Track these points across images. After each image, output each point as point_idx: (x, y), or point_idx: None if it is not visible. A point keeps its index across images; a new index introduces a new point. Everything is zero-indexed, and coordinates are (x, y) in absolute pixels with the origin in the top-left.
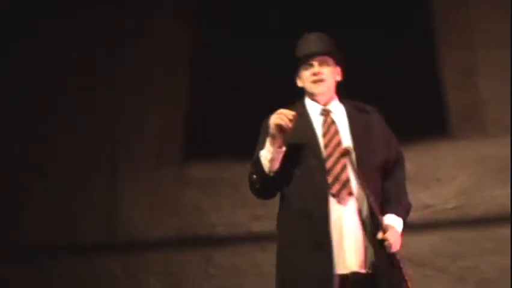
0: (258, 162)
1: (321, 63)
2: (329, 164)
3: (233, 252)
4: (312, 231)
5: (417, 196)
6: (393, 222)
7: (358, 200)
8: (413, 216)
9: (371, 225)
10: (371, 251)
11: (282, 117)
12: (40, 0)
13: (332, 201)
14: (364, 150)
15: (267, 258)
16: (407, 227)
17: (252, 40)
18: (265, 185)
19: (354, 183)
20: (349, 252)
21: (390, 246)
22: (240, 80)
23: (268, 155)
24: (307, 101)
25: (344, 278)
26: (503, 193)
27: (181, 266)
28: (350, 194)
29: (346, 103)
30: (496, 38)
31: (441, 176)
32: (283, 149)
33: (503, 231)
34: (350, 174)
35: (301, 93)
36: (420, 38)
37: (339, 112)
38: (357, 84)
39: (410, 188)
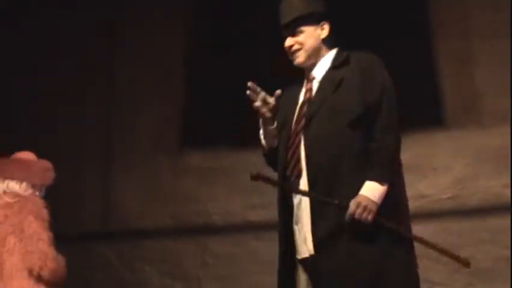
0: (260, 140)
1: (294, 35)
2: (291, 139)
3: (229, 241)
4: (281, 215)
5: (413, 186)
6: (369, 191)
7: (311, 177)
8: (409, 205)
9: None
10: (319, 230)
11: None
12: None
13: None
14: (324, 112)
15: (263, 247)
16: None
17: (249, 30)
18: (269, 159)
19: (305, 160)
20: (306, 234)
21: (355, 222)
22: (236, 69)
23: (262, 134)
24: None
25: (306, 262)
26: (498, 183)
27: (177, 254)
28: (300, 172)
29: (335, 59)
30: (492, 28)
31: (437, 166)
32: (274, 125)
33: (499, 221)
34: (302, 149)
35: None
36: (417, 27)
37: (323, 74)
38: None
39: (406, 178)
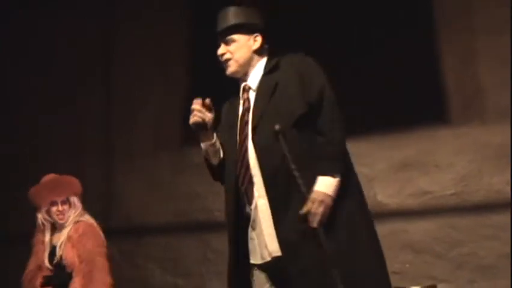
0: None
1: (226, 43)
2: (238, 147)
3: None
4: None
5: (416, 182)
6: (323, 186)
7: (267, 182)
8: (412, 202)
9: (283, 203)
10: (283, 232)
11: (196, 113)
12: None
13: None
14: (268, 117)
15: None
16: (406, 214)
17: None
18: (218, 174)
19: (255, 167)
20: (266, 238)
21: (313, 219)
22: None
23: (204, 150)
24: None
25: (267, 266)
26: (501, 180)
27: (179, 251)
28: (250, 179)
29: (266, 67)
30: (496, 24)
31: (440, 163)
32: (213, 140)
33: (502, 218)
34: (250, 157)
35: None
36: (420, 25)
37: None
38: (356, 71)
39: (409, 174)
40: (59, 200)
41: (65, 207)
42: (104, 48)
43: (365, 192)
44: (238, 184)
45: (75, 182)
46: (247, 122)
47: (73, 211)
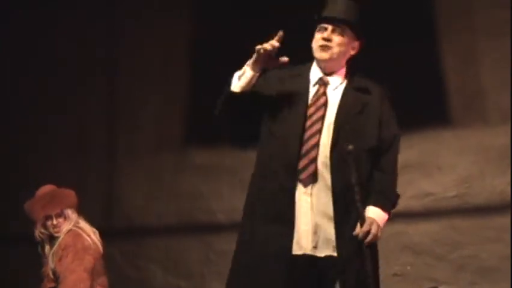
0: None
1: (334, 31)
2: (305, 136)
3: (233, 239)
4: (277, 202)
5: (418, 184)
6: (376, 216)
7: (324, 182)
8: (413, 204)
9: (342, 211)
10: (332, 234)
11: (271, 43)
12: None
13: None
14: (350, 131)
15: None
16: (408, 215)
17: (253, 24)
18: (235, 100)
19: (323, 164)
20: (305, 233)
21: (368, 241)
22: (241, 66)
23: (243, 74)
24: (313, 66)
25: (295, 258)
26: (504, 181)
27: (181, 252)
28: (311, 174)
29: (351, 79)
30: (497, 26)
31: (442, 164)
32: (259, 72)
33: (504, 220)
34: (320, 154)
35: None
36: (421, 25)
37: (339, 87)
38: (358, 72)
39: (410, 176)
40: (53, 213)
41: (60, 220)
42: (106, 48)
43: None
44: (297, 164)
45: (69, 195)
46: (323, 117)
47: (68, 223)
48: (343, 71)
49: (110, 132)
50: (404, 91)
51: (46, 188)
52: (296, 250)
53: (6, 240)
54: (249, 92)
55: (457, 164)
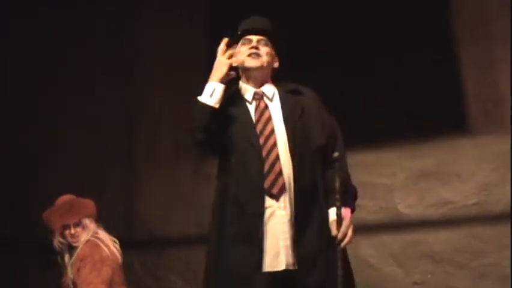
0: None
1: (259, 41)
2: (263, 153)
3: None
4: (244, 224)
5: (438, 192)
6: (349, 217)
7: (291, 192)
8: (433, 212)
9: (306, 219)
10: (303, 247)
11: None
12: None
13: (266, 194)
14: (299, 136)
15: None
16: (427, 224)
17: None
18: (213, 118)
19: (287, 174)
20: (281, 249)
21: (349, 241)
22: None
23: (216, 90)
24: (242, 85)
25: (272, 275)
26: None
27: (201, 262)
28: (283, 186)
29: (279, 86)
30: None
31: (461, 172)
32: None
33: None
34: (283, 165)
35: None
36: (439, 33)
37: (275, 97)
38: (377, 80)
39: (429, 184)
40: (71, 223)
41: (78, 229)
42: (125, 57)
43: (385, 203)
44: (263, 183)
45: (88, 204)
46: (273, 131)
47: (86, 233)
48: (269, 84)
49: (129, 143)
50: (422, 99)
51: (65, 198)
52: (275, 266)
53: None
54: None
55: (476, 171)
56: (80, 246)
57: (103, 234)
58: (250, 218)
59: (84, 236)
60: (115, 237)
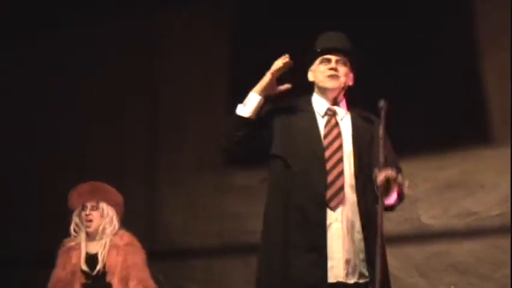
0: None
1: (338, 61)
2: (327, 166)
3: None
4: (308, 233)
5: (461, 203)
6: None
7: (352, 208)
8: (457, 223)
9: (371, 235)
10: (359, 260)
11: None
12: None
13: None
14: (365, 160)
15: None
16: (451, 235)
17: (292, 44)
18: (245, 128)
19: (348, 191)
20: (337, 261)
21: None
22: (281, 83)
23: (248, 101)
24: (315, 98)
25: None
26: None
27: (223, 273)
28: (343, 201)
29: (353, 110)
30: None
31: (485, 183)
32: (264, 98)
33: None
34: (346, 181)
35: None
36: (463, 43)
37: (345, 118)
38: (399, 90)
39: (453, 195)
40: (89, 204)
41: (94, 213)
42: (149, 67)
43: (409, 214)
44: (325, 194)
45: (112, 192)
46: (340, 146)
47: (105, 221)
48: (344, 101)
49: (150, 154)
50: (445, 110)
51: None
52: (330, 278)
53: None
54: (256, 120)
55: (499, 182)
56: (110, 237)
57: (122, 239)
58: (314, 227)
59: (102, 224)
60: None
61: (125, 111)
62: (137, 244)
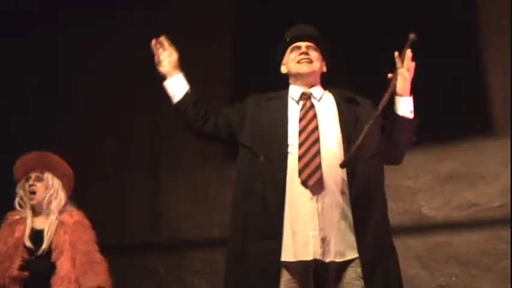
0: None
1: (308, 47)
2: (301, 151)
3: None
4: (266, 221)
5: (462, 194)
6: None
7: (334, 187)
8: (458, 214)
9: (361, 217)
10: (338, 240)
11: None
12: None
13: (299, 187)
14: (354, 141)
15: None
16: (452, 226)
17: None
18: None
19: (328, 172)
20: (314, 239)
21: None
22: (281, 81)
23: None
24: (291, 88)
25: (309, 264)
26: None
27: (224, 265)
28: (320, 180)
29: (335, 92)
30: None
31: (486, 174)
32: (176, 74)
33: None
34: (322, 159)
35: None
36: (465, 34)
37: (324, 99)
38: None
39: (454, 187)
40: (33, 174)
41: (39, 184)
42: (150, 60)
43: (410, 205)
44: (300, 176)
45: (57, 160)
46: (316, 127)
47: (50, 193)
48: (319, 85)
49: (153, 146)
50: (447, 101)
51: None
52: (307, 256)
53: None
54: (193, 101)
55: (501, 173)
56: (57, 214)
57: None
58: (272, 214)
59: (47, 196)
60: (139, 241)
61: (127, 101)
62: (87, 223)
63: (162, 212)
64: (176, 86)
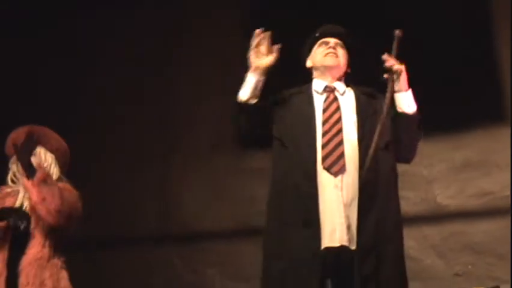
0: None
1: (336, 44)
2: (324, 139)
3: None
4: (301, 208)
5: (477, 183)
6: None
7: (353, 176)
8: (472, 203)
9: (365, 206)
10: (361, 227)
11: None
12: None
13: (324, 176)
14: (367, 130)
15: None
16: (468, 215)
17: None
18: (248, 110)
19: (350, 160)
20: (340, 226)
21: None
22: (297, 67)
23: (252, 82)
24: (314, 81)
25: (334, 250)
26: None
27: (238, 256)
28: (343, 168)
29: (355, 88)
30: None
31: (500, 163)
32: (263, 77)
33: None
34: (346, 149)
35: None
36: (478, 21)
37: (346, 93)
38: (415, 71)
39: (469, 175)
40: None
41: (31, 159)
42: (163, 51)
43: (425, 194)
44: (323, 163)
45: (50, 134)
46: (340, 119)
47: (40, 170)
48: (342, 83)
49: (165, 137)
50: (462, 90)
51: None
52: (331, 242)
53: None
54: (258, 102)
55: None
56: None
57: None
58: (306, 202)
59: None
60: (152, 232)
61: (140, 93)
62: (74, 191)
63: (175, 204)
64: (258, 86)
